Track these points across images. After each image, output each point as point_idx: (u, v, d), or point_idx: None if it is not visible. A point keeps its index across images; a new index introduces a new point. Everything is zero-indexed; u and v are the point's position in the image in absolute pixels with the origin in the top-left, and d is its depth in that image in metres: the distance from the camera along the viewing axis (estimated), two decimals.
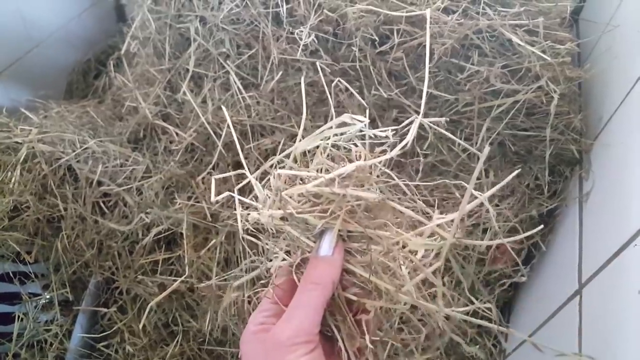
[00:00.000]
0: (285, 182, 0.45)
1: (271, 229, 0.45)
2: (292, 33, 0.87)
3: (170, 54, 0.95)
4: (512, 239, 0.50)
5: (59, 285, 1.01)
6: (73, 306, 1.03)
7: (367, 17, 0.85)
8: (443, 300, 0.44)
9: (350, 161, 0.45)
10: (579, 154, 0.88)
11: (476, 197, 0.43)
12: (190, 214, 0.93)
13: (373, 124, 0.90)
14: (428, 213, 0.45)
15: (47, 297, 1.03)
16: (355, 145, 0.46)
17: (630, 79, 0.76)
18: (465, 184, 0.44)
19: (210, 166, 0.87)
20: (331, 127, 0.47)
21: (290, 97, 0.89)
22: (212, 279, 0.90)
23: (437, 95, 0.88)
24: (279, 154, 0.48)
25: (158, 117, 0.98)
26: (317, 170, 0.44)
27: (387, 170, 0.47)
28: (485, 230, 0.94)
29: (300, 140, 0.47)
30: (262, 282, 0.50)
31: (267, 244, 0.47)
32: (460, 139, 0.92)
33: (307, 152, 0.48)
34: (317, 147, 0.47)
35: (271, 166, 0.47)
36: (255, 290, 0.52)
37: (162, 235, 0.98)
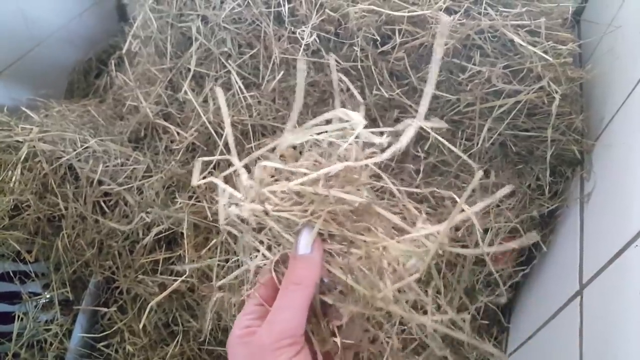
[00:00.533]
0: (271, 176, 0.44)
1: (252, 223, 0.44)
2: (293, 33, 0.87)
3: (172, 53, 0.95)
4: (493, 248, 0.49)
5: (59, 284, 1.01)
6: (73, 306, 1.03)
7: (369, 16, 0.85)
8: (422, 310, 0.43)
9: (340, 160, 0.44)
10: (580, 154, 0.88)
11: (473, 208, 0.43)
12: (191, 214, 0.93)
13: (374, 123, 0.90)
14: (415, 218, 0.44)
15: (47, 296, 1.03)
16: (348, 143, 0.45)
17: (632, 79, 0.76)
18: (456, 197, 0.44)
19: (212, 165, 0.87)
20: (325, 123, 0.46)
21: (292, 97, 0.89)
22: (213, 279, 0.90)
23: (438, 95, 0.88)
24: (270, 146, 0.46)
25: (159, 116, 0.98)
26: (305, 167, 0.43)
27: (379, 171, 0.45)
28: (486, 231, 0.94)
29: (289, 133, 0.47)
30: (243, 281, 0.49)
31: (247, 239, 0.46)
32: (462, 139, 0.92)
33: (298, 146, 0.47)
34: (307, 142, 0.46)
35: (258, 158, 0.46)
36: (240, 290, 0.51)
37: (163, 234, 0.98)
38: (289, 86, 0.89)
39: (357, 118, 0.44)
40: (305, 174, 0.42)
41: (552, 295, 0.84)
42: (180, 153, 0.95)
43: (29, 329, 1.01)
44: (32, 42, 1.21)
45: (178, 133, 0.95)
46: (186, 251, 0.94)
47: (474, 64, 0.84)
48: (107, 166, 0.98)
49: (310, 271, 0.40)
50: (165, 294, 0.86)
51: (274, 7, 0.88)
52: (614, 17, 0.89)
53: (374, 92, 0.88)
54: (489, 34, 0.83)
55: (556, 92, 0.80)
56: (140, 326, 0.99)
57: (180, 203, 0.94)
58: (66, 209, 0.96)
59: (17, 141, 0.95)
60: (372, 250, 0.41)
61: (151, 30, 0.94)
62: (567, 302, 0.76)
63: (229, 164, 0.89)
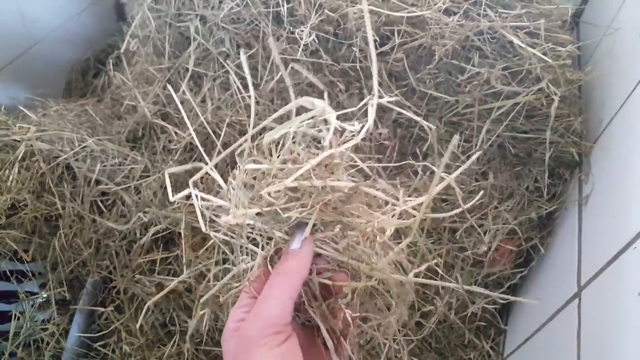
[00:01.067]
0: (253, 177, 0.44)
1: (245, 228, 0.44)
2: (292, 33, 0.87)
3: (170, 53, 0.95)
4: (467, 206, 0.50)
5: (56, 284, 1.01)
6: (70, 305, 1.03)
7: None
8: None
9: (320, 149, 0.44)
10: (578, 156, 0.88)
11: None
12: (188, 214, 0.92)
13: (373, 124, 0.90)
14: (395, 195, 0.45)
15: (44, 295, 1.02)
16: (320, 131, 0.45)
17: (631, 82, 0.76)
18: (432, 167, 0.48)
19: (214, 162, 0.87)
20: (297, 115, 0.46)
21: (290, 97, 0.88)
22: (211, 280, 0.90)
23: (437, 96, 0.87)
24: (244, 144, 0.46)
25: (157, 116, 0.98)
26: (284, 162, 0.44)
27: (353, 155, 0.46)
28: (484, 233, 0.94)
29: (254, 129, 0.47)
30: (238, 279, 0.50)
31: (239, 242, 0.46)
32: (460, 140, 0.92)
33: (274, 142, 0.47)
34: (283, 137, 0.46)
35: (234, 163, 0.46)
36: (231, 287, 0.51)
37: (160, 234, 0.97)
38: (287, 86, 0.88)
39: (322, 105, 0.44)
40: (292, 170, 0.42)
41: (550, 297, 0.84)
42: (178, 153, 0.95)
43: (26, 328, 1.00)
44: (30, 41, 1.21)
45: (176, 133, 0.94)
46: (183, 251, 0.93)
47: (473, 65, 0.84)
48: (104, 166, 0.97)
49: (297, 263, 0.40)
50: (162, 294, 0.85)
51: (273, 7, 0.88)
52: (613, 19, 0.89)
53: (373, 92, 0.87)
54: (488, 35, 0.83)
55: (555, 94, 0.80)
56: (137, 326, 0.99)
57: (177, 203, 0.94)
58: (63, 208, 0.96)
59: (15, 140, 0.95)
60: (367, 229, 0.42)
61: (149, 30, 0.94)
62: (565, 304, 0.76)
63: (227, 163, 0.89)
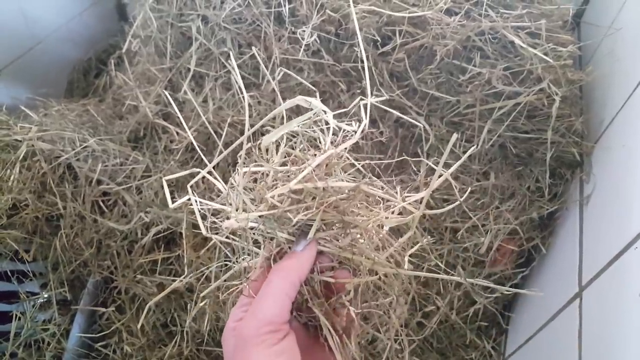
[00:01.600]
0: (254, 180, 0.44)
1: (247, 231, 0.44)
2: (294, 33, 0.87)
3: (172, 52, 0.95)
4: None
5: (57, 284, 1.01)
6: (71, 305, 1.03)
7: (370, 17, 0.85)
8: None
9: (319, 150, 0.44)
10: (580, 156, 0.88)
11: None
12: (189, 214, 0.92)
13: (374, 124, 0.90)
14: (392, 193, 0.45)
15: (45, 296, 1.02)
16: (318, 132, 0.45)
17: (632, 82, 0.76)
18: (433, 165, 0.47)
19: (211, 165, 0.87)
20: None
21: (292, 97, 0.89)
22: (212, 279, 0.90)
23: (438, 96, 0.88)
24: (243, 149, 0.46)
25: (158, 116, 0.98)
26: (283, 164, 0.44)
27: (348, 156, 0.46)
28: (485, 232, 0.94)
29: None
30: (239, 280, 0.50)
31: (242, 244, 0.46)
32: (462, 140, 0.92)
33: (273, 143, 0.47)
34: (281, 138, 0.46)
35: (235, 163, 0.46)
36: (232, 288, 0.51)
37: (162, 234, 0.97)
38: (288, 86, 0.89)
39: (319, 104, 0.44)
40: (293, 172, 0.42)
41: (551, 297, 0.84)
42: (180, 153, 0.95)
43: (27, 328, 1.00)
44: (32, 41, 1.21)
45: (177, 133, 0.94)
46: (185, 251, 0.93)
47: (474, 66, 0.84)
48: (106, 166, 0.97)
49: (295, 263, 0.41)
50: (163, 294, 0.85)
51: (275, 7, 0.88)
52: (614, 19, 0.89)
53: (374, 92, 0.87)
54: (490, 36, 0.83)
55: (556, 94, 0.80)
56: (139, 326, 0.99)
57: (178, 204, 0.94)
58: (65, 208, 0.96)
59: (16, 140, 0.95)
60: (368, 225, 0.43)
61: (151, 30, 0.94)
62: (566, 304, 0.76)
63: (229, 163, 0.89)
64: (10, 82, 1.17)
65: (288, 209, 0.41)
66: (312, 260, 0.42)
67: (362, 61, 0.86)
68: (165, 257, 0.99)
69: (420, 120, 0.89)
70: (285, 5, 0.87)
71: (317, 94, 0.47)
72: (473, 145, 0.91)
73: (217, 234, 0.49)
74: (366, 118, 0.45)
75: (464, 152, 0.93)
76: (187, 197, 0.50)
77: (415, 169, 0.92)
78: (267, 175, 0.44)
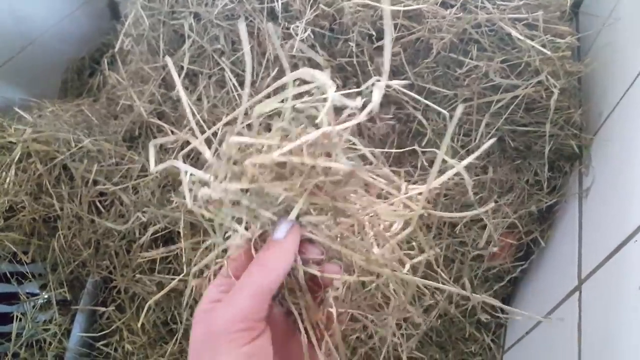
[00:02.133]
0: (240, 151, 0.39)
1: (226, 202, 0.39)
2: (287, 28, 0.86)
3: (165, 51, 0.94)
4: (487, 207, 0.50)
5: (56, 284, 1.01)
6: (71, 305, 1.03)
7: (364, 11, 0.83)
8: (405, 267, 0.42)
9: (315, 127, 0.39)
10: (578, 149, 0.87)
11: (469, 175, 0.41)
12: (187, 213, 0.92)
13: (371, 120, 0.89)
14: (394, 182, 0.41)
15: (45, 296, 1.03)
16: (317, 109, 0.40)
17: (631, 73, 0.75)
18: (447, 158, 0.41)
19: (207, 165, 0.87)
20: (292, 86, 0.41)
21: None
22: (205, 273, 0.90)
23: (435, 90, 0.87)
24: (233, 115, 0.41)
25: (153, 115, 0.97)
26: (277, 138, 0.39)
27: (351, 137, 0.41)
28: (484, 227, 0.94)
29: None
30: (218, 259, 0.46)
31: (221, 219, 0.41)
32: (459, 134, 0.91)
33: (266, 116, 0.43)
34: (275, 110, 0.40)
35: (224, 132, 0.42)
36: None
37: (160, 234, 0.97)
38: (284, 82, 0.88)
39: (324, 79, 0.38)
40: (283, 145, 0.37)
41: (551, 290, 0.84)
42: (175, 152, 0.94)
43: (28, 329, 1.01)
44: (24, 42, 1.20)
45: (172, 132, 0.94)
46: (183, 250, 0.93)
47: (471, 59, 0.83)
48: (101, 166, 0.97)
49: (278, 255, 0.37)
50: (163, 292, 0.85)
51: (267, 3, 0.86)
52: (613, 9, 0.88)
53: (371, 87, 0.86)
54: (486, 28, 0.82)
55: (554, 86, 0.80)
56: (139, 325, 0.99)
57: (176, 202, 0.93)
58: (61, 209, 0.96)
59: (11, 142, 0.94)
60: (362, 216, 0.39)
61: (143, 28, 0.93)
62: (565, 297, 0.76)
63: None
64: (3, 83, 1.16)
65: (270, 184, 0.36)
66: (295, 248, 0.38)
67: (357, 56, 0.85)
68: (164, 256, 0.99)
69: (417, 115, 0.88)
70: (277, 1, 0.86)
71: (328, 71, 0.41)
72: (471, 139, 0.90)
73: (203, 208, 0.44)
74: (378, 98, 0.38)
75: (462, 147, 0.93)
76: (170, 162, 0.45)
77: (413, 164, 0.92)
78: (255, 147, 0.38)
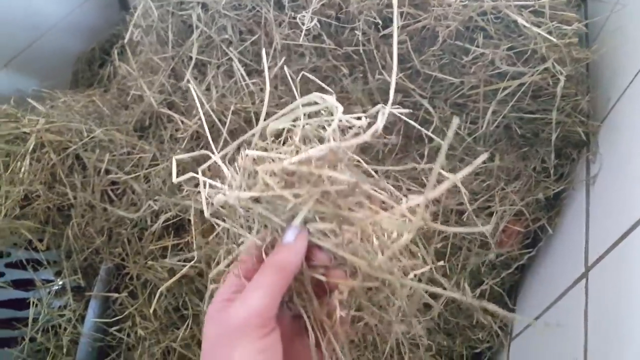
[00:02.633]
0: (254, 164, 0.43)
1: (240, 210, 0.43)
2: (294, 18, 0.86)
3: (173, 41, 0.95)
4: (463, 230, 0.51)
5: (70, 271, 1.03)
6: (85, 292, 1.06)
7: (370, 0, 0.84)
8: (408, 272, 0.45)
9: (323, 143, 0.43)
10: (586, 136, 0.87)
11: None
12: (197, 201, 0.94)
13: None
14: (398, 196, 0.44)
15: (60, 283, 1.05)
16: (325, 129, 0.44)
17: (639, 59, 0.74)
18: (444, 173, 0.44)
19: (223, 152, 0.88)
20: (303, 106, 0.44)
21: (294, 83, 0.88)
22: (222, 260, 0.92)
23: (441, 78, 0.87)
24: (251, 133, 0.45)
25: (163, 105, 0.98)
26: (288, 153, 0.43)
27: (355, 156, 0.46)
28: (491, 214, 0.94)
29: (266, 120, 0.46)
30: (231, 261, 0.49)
31: (234, 226, 0.45)
32: (466, 122, 0.91)
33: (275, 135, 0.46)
34: (286, 129, 0.45)
35: (239, 147, 0.45)
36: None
37: (171, 221, 0.99)
38: (290, 72, 0.88)
39: (333, 101, 0.44)
40: (294, 157, 0.41)
41: (558, 277, 0.84)
42: (185, 141, 0.96)
43: (44, 314, 1.03)
44: (35, 34, 1.22)
45: (182, 122, 0.95)
46: (194, 237, 0.95)
47: (477, 46, 0.83)
48: (113, 155, 0.99)
49: (288, 256, 0.40)
50: (174, 279, 0.87)
51: None
52: None
53: (377, 76, 0.87)
54: (492, 16, 0.82)
55: (561, 73, 0.79)
56: (151, 311, 1.01)
57: (186, 190, 0.95)
58: (75, 198, 0.98)
59: (25, 132, 0.96)
60: (366, 225, 0.42)
61: (152, 19, 0.94)
62: (572, 285, 0.76)
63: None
64: (17, 74, 1.18)
65: (279, 192, 0.39)
66: (303, 250, 0.41)
67: (364, 44, 0.86)
68: (175, 243, 1.01)
69: (424, 103, 0.89)
70: None
71: (334, 96, 0.46)
72: (477, 127, 0.90)
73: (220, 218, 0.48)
74: (382, 121, 0.43)
75: (469, 134, 0.93)
76: (190, 174, 0.49)
77: (419, 152, 0.92)
78: (267, 160, 0.43)
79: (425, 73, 0.87)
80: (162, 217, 0.98)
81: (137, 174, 0.99)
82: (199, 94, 0.86)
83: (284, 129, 0.46)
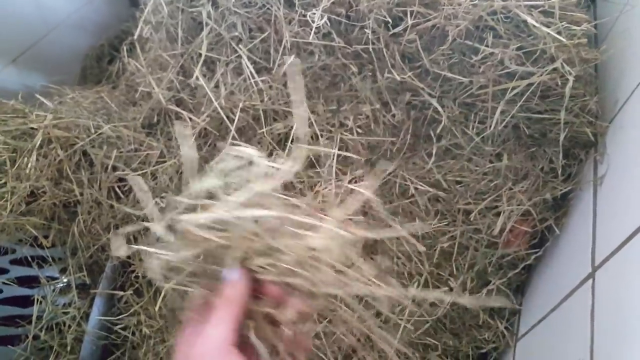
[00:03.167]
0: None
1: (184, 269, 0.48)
2: (304, 16, 0.87)
3: (183, 38, 0.95)
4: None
5: (76, 269, 1.03)
6: (90, 289, 1.05)
7: None
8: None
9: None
10: (594, 136, 0.87)
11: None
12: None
13: (386, 107, 0.90)
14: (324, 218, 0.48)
15: (65, 280, 1.05)
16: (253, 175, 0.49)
17: None
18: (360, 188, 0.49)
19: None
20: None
21: (303, 81, 0.89)
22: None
23: (451, 77, 0.87)
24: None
25: (171, 102, 0.98)
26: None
27: (277, 194, 0.49)
28: (498, 214, 0.94)
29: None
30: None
31: (179, 286, 0.50)
32: (474, 122, 0.92)
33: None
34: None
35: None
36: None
37: None
38: (299, 70, 0.89)
39: (252, 152, 0.49)
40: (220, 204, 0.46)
41: (564, 277, 0.84)
42: (193, 138, 0.96)
43: (48, 312, 1.03)
44: (44, 29, 1.22)
45: (190, 119, 0.95)
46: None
47: (487, 46, 0.83)
48: (121, 152, 0.99)
49: (234, 290, 0.45)
50: (179, 277, 0.87)
51: None
52: None
53: (386, 74, 0.87)
54: (502, 15, 0.82)
55: (570, 73, 0.80)
56: (156, 309, 1.01)
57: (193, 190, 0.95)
58: (81, 194, 0.97)
59: (32, 128, 0.96)
60: (300, 250, 0.45)
61: (162, 16, 0.94)
62: (579, 285, 0.76)
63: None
64: (25, 70, 1.18)
65: (213, 238, 0.44)
66: (246, 285, 0.45)
67: (373, 43, 0.86)
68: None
69: (432, 102, 0.89)
70: None
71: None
72: (486, 126, 0.90)
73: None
74: (298, 164, 0.48)
75: (478, 134, 0.93)
76: (127, 247, 0.57)
77: (427, 150, 0.93)
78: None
79: (435, 72, 0.87)
80: (169, 214, 0.98)
81: (144, 171, 0.99)
82: (209, 91, 0.86)
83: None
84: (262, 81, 0.90)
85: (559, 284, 0.85)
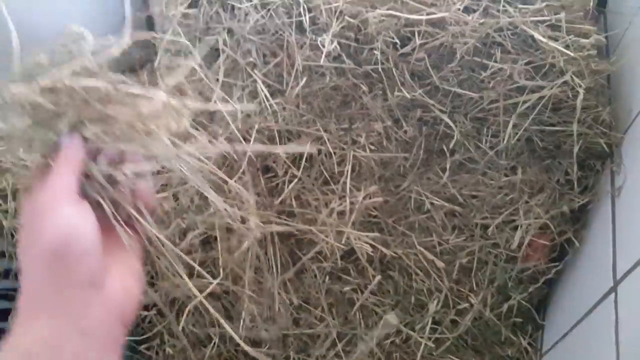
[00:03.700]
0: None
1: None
2: (315, 40, 0.90)
3: (200, 65, 0.99)
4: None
5: None
6: None
7: (388, 20, 0.86)
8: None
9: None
10: (608, 147, 0.86)
11: None
12: (221, 218, 0.96)
13: (397, 124, 0.92)
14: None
15: None
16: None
17: None
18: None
19: (241, 171, 0.91)
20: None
21: (315, 102, 0.91)
22: (246, 285, 0.94)
23: (461, 93, 0.88)
24: None
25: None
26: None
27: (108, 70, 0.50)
28: (515, 228, 0.94)
29: None
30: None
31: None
32: (487, 136, 0.92)
33: None
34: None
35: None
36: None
37: (198, 238, 1.01)
38: (312, 91, 0.91)
39: (83, 30, 0.51)
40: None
41: (586, 291, 0.83)
42: (212, 160, 0.99)
43: None
44: None
45: (210, 142, 0.98)
46: (220, 255, 0.97)
47: (495, 62, 0.85)
48: None
49: (70, 150, 0.45)
50: (201, 296, 0.89)
51: (296, 17, 0.91)
52: None
53: (396, 93, 0.89)
54: (509, 31, 0.83)
55: (580, 85, 0.80)
56: (180, 328, 1.03)
57: (212, 209, 0.97)
58: None
59: None
60: (131, 117, 0.47)
61: (180, 44, 0.99)
62: (601, 299, 0.75)
63: (257, 168, 0.92)
64: None
65: (43, 102, 0.44)
66: (80, 147, 0.46)
67: (382, 63, 0.88)
68: (202, 260, 1.03)
69: (444, 117, 0.90)
70: (305, 15, 0.90)
71: None
72: (499, 140, 0.90)
73: None
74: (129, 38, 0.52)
75: (491, 148, 0.93)
76: None
77: (441, 165, 0.93)
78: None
79: (445, 89, 0.89)
80: (190, 235, 1.00)
81: (166, 194, 1.02)
82: (226, 114, 0.89)
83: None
84: (276, 103, 0.93)
85: (581, 298, 0.84)
